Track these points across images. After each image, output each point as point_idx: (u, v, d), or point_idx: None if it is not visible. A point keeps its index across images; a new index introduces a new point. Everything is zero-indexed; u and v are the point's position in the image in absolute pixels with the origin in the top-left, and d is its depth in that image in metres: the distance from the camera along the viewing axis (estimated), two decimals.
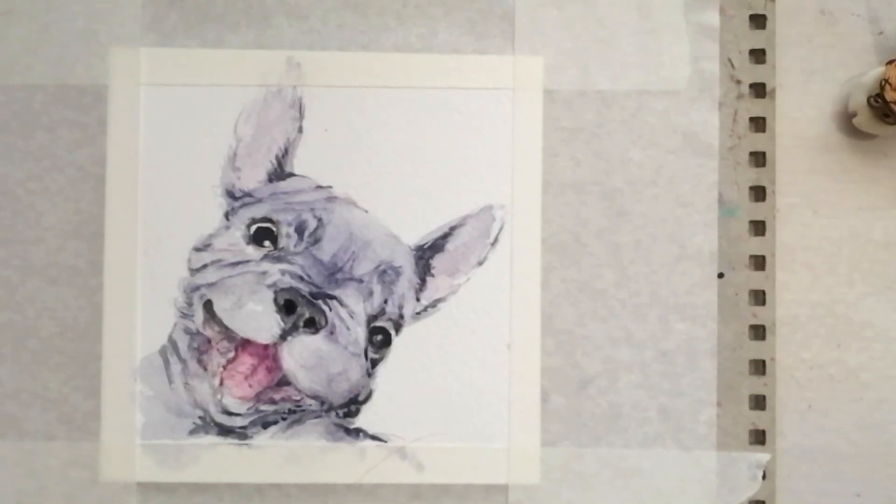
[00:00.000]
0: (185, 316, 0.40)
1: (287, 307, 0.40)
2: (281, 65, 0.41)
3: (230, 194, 0.41)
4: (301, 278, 0.40)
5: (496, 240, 0.41)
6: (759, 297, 0.41)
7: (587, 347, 0.41)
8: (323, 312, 0.40)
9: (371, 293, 0.40)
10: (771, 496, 0.41)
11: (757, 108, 0.41)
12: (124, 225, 0.40)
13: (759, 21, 0.41)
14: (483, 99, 0.41)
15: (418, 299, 0.41)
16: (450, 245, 0.41)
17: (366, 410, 0.40)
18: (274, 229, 0.41)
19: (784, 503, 0.41)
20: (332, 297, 0.40)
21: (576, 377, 0.41)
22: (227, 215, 0.41)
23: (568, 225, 0.41)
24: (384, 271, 0.40)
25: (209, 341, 0.40)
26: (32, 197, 0.40)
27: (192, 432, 0.40)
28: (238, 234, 0.41)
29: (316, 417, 0.40)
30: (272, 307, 0.40)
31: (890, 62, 0.39)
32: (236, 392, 0.40)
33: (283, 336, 0.40)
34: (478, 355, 0.41)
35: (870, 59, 0.42)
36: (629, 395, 0.41)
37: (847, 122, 0.42)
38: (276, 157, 0.41)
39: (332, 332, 0.40)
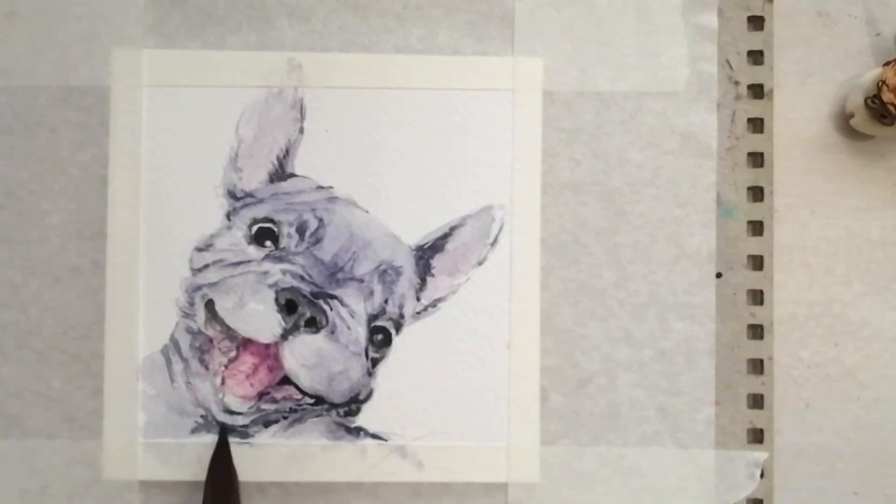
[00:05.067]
0: (186, 315, 0.41)
1: (288, 307, 0.40)
2: (282, 66, 0.41)
3: (232, 195, 0.41)
4: (302, 278, 0.40)
5: (496, 240, 0.41)
6: (756, 297, 0.41)
7: (586, 347, 0.41)
8: (324, 312, 0.40)
9: (371, 293, 0.41)
10: (769, 494, 0.41)
11: (755, 108, 0.41)
12: (127, 225, 0.41)
13: (756, 22, 0.42)
14: (483, 100, 0.41)
15: (418, 299, 0.41)
16: (450, 245, 0.41)
17: (366, 409, 0.41)
18: (275, 229, 0.41)
19: (782, 501, 0.41)
20: (333, 297, 0.40)
21: (575, 376, 0.41)
22: (228, 215, 0.41)
23: (567, 225, 0.41)
24: (385, 271, 0.41)
25: (211, 341, 0.41)
26: (35, 197, 0.41)
27: (194, 431, 0.40)
28: (239, 234, 0.41)
29: (317, 416, 0.41)
30: (273, 307, 0.40)
31: (887, 63, 0.39)
32: (238, 391, 0.40)
33: (285, 335, 0.40)
34: (478, 355, 0.41)
35: (867, 60, 0.42)
36: (628, 394, 0.41)
37: (844, 123, 0.42)
38: (278, 158, 0.41)
39: (332, 332, 0.40)
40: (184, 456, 0.40)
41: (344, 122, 0.41)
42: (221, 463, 0.39)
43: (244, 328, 0.40)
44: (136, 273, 0.40)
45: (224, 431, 0.40)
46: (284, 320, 0.40)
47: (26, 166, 0.41)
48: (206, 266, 0.41)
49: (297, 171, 0.41)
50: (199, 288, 0.41)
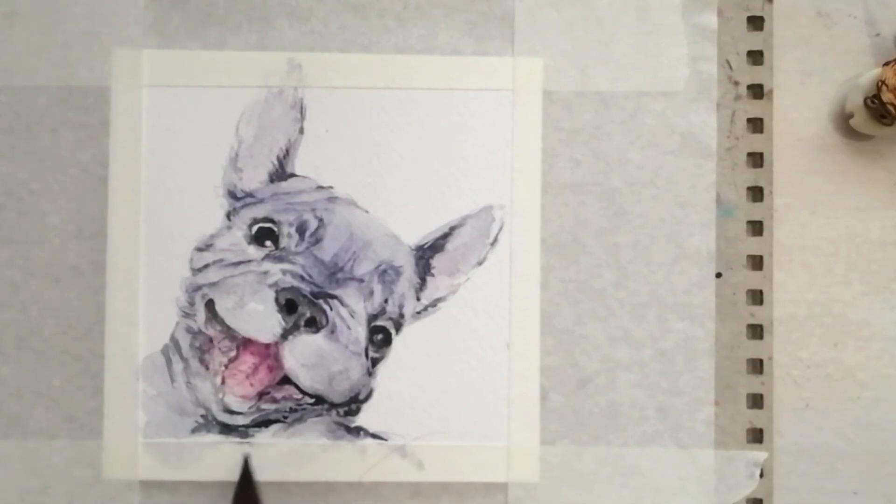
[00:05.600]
0: (187, 315, 0.41)
1: (288, 307, 0.40)
2: (282, 66, 0.41)
3: (232, 195, 0.41)
4: (302, 278, 0.40)
5: (496, 240, 0.41)
6: (756, 297, 0.41)
7: (586, 347, 0.41)
8: (324, 312, 0.40)
9: (371, 293, 0.41)
10: (768, 494, 0.41)
11: (754, 109, 0.42)
12: (127, 225, 0.41)
13: (756, 23, 0.42)
14: (483, 100, 0.41)
15: (418, 299, 0.41)
16: (450, 245, 0.41)
17: (366, 409, 0.41)
18: (275, 229, 0.41)
19: (781, 501, 0.41)
20: (333, 297, 0.40)
21: (575, 376, 0.41)
22: (228, 215, 0.41)
23: (567, 225, 0.41)
24: (384, 271, 0.41)
25: (211, 340, 0.41)
26: (35, 197, 0.41)
27: (195, 431, 0.40)
28: (240, 234, 0.41)
29: (317, 416, 0.41)
30: (273, 307, 0.40)
31: (886, 63, 0.39)
32: (238, 391, 0.41)
33: (285, 335, 0.40)
34: (477, 354, 0.41)
35: (866, 60, 0.42)
36: (628, 394, 0.41)
37: (844, 123, 0.42)
38: (278, 158, 0.41)
39: (332, 332, 0.40)
40: (184, 456, 0.40)
41: (344, 122, 0.41)
42: (246, 495, 0.39)
43: (244, 328, 0.40)
44: (136, 273, 0.40)
45: (248, 464, 0.39)
46: (284, 320, 0.40)
47: (26, 166, 0.41)
48: (207, 266, 0.41)
49: (297, 171, 0.41)
50: (199, 288, 0.41)
